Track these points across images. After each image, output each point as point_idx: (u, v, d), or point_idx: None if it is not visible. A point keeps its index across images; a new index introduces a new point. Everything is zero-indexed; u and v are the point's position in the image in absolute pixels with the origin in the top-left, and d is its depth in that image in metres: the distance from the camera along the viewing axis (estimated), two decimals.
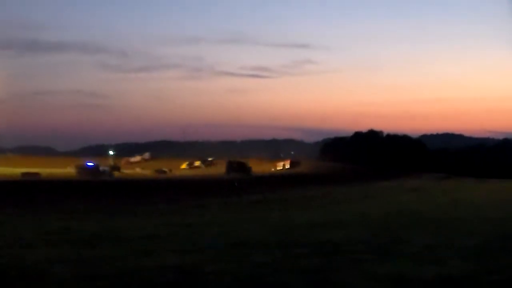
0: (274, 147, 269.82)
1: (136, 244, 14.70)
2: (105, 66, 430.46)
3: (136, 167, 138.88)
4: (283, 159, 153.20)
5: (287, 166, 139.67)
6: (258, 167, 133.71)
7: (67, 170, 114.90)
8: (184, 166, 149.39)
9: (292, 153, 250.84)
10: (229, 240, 15.45)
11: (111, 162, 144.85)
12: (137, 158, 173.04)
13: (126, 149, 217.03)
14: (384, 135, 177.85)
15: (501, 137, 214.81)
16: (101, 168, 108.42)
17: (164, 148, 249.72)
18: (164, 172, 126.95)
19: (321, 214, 25.93)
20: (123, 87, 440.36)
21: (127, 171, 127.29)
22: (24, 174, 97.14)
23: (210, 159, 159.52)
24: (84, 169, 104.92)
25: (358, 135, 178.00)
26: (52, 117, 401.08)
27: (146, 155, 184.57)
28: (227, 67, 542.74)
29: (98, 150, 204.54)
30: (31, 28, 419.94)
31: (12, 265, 11.22)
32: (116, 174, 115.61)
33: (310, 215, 25.82)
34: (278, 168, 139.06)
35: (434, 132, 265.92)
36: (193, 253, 12.71)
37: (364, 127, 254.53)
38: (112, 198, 49.28)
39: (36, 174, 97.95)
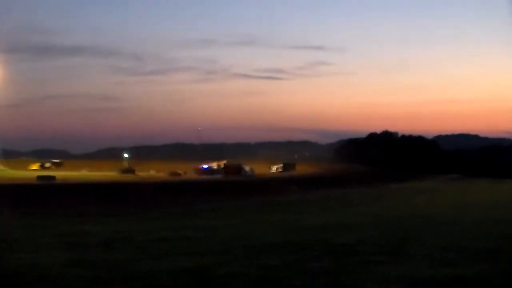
0: (289, 149, 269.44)
1: (150, 247, 14.81)
2: (119, 69, 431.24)
3: (151, 170, 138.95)
4: (286, 161, 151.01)
5: (279, 169, 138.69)
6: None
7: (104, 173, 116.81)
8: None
9: (307, 154, 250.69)
10: (242, 243, 15.52)
11: (125, 164, 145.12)
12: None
13: (141, 152, 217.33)
14: (399, 136, 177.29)
15: None
16: (246, 169, 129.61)
17: (178, 151, 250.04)
18: (179, 174, 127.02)
19: (334, 216, 25.94)
20: (137, 90, 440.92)
21: (142, 174, 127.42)
22: (39, 177, 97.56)
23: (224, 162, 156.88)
24: (201, 170, 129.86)
25: (372, 136, 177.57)
26: (66, 121, 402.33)
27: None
28: (242, 69, 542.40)
29: (112, 153, 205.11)
30: (44, 33, 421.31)
31: (29, 268, 11.35)
32: (131, 176, 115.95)
33: (323, 217, 25.85)
34: (272, 171, 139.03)
35: (449, 133, 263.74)
36: (205, 256, 12.80)
37: (378, 128, 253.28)
38: (127, 201, 49.49)
39: (52, 177, 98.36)
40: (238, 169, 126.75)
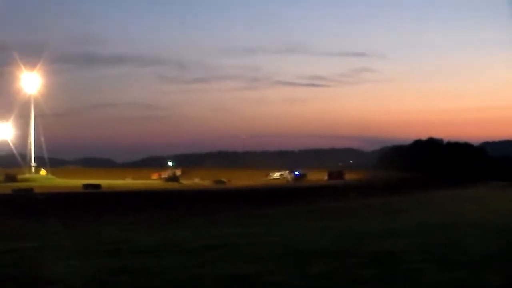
0: (333, 156, 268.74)
1: (196, 255, 14.85)
2: (163, 78, 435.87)
3: (195, 178, 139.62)
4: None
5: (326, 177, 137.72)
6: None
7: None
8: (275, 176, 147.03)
9: (351, 162, 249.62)
10: (288, 250, 15.48)
11: (170, 173, 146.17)
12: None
13: (185, 160, 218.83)
14: (444, 143, 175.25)
15: None
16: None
17: (222, 159, 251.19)
18: (223, 182, 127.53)
19: (379, 224, 25.71)
20: (181, 99, 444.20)
21: (186, 182, 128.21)
22: (85, 185, 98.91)
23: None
24: (293, 177, 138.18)
25: (417, 143, 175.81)
26: (111, 130, 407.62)
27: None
28: (284, 77, 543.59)
29: (157, 162, 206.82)
30: (89, 42, 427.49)
31: (76, 275, 11.47)
32: (175, 185, 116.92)
33: (368, 224, 25.64)
34: (271, 178, 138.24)
35: (497, 139, 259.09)
36: (252, 263, 12.78)
37: (423, 135, 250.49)
38: (172, 208, 49.73)
39: (98, 185, 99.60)
40: (340, 174, 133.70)
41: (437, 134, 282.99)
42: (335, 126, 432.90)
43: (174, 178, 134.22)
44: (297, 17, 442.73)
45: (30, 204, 52.96)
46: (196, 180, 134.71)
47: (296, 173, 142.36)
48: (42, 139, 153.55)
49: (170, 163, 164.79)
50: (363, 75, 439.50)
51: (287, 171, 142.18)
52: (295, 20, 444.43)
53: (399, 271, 11.25)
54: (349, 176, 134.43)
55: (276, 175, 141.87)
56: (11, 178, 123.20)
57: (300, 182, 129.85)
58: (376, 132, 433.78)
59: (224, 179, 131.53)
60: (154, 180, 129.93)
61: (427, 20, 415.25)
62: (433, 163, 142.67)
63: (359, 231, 21.56)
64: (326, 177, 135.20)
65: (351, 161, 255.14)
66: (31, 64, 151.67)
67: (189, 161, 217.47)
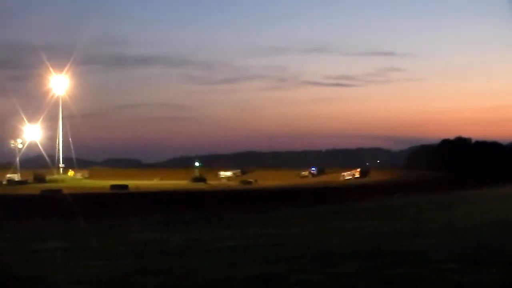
0: (360, 156, 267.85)
1: (222, 255, 14.84)
2: (190, 78, 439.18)
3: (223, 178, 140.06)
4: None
5: (355, 176, 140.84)
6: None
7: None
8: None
9: (378, 161, 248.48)
10: (313, 250, 15.41)
11: (196, 173, 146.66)
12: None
13: (212, 160, 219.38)
14: (473, 142, 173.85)
15: None
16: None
17: (249, 158, 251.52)
18: (250, 183, 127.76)
19: (406, 223, 25.52)
20: (208, 99, 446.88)
21: (213, 183, 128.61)
22: (113, 186, 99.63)
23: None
24: (311, 172, 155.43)
25: (445, 143, 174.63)
26: (138, 130, 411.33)
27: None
28: (312, 77, 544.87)
29: (184, 162, 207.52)
30: (117, 43, 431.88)
31: (102, 277, 11.51)
32: (203, 185, 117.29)
33: (396, 224, 25.48)
34: (345, 178, 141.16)
35: None
36: (276, 264, 12.74)
37: (451, 134, 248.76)
38: (198, 209, 49.89)
39: (125, 186, 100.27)
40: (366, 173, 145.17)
41: (466, 133, 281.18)
42: (363, 126, 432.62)
43: (201, 179, 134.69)
44: (324, 16, 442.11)
45: (58, 205, 53.44)
46: (223, 181, 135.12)
47: (313, 168, 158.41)
48: (70, 140, 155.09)
49: (196, 164, 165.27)
50: (391, 75, 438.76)
51: (358, 169, 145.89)
52: (323, 19, 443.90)
53: (428, 271, 11.13)
54: (376, 176, 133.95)
55: (347, 174, 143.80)
56: (40, 179, 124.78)
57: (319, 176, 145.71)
58: (404, 132, 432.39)
59: (251, 180, 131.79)
60: (182, 181, 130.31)
61: (456, 18, 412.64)
62: (462, 163, 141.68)
63: (386, 231, 21.38)
64: (356, 175, 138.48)
65: (378, 161, 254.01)
66: (60, 66, 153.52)
67: (216, 161, 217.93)
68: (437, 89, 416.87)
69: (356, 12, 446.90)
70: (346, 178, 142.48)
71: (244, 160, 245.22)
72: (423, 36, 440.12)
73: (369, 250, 14.84)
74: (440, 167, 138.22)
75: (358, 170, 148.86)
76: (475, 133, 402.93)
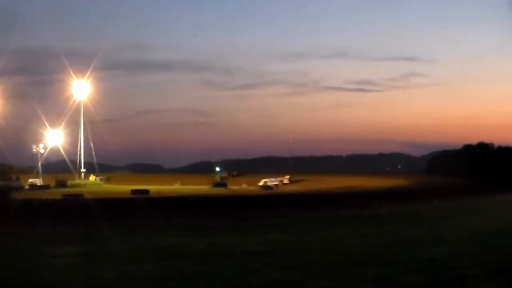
0: (381, 161, 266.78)
1: (244, 261, 14.84)
2: (210, 84, 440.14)
3: (243, 183, 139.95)
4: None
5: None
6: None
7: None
8: None
9: (399, 167, 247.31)
10: (333, 256, 15.36)
11: (217, 178, 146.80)
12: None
13: (232, 165, 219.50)
14: (495, 147, 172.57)
15: None
16: None
17: (269, 164, 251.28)
18: (271, 187, 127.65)
19: (427, 229, 25.36)
20: (228, 105, 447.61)
21: (233, 187, 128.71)
22: (134, 191, 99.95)
23: None
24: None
25: (467, 148, 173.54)
26: (159, 135, 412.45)
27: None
28: (332, 82, 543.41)
29: (204, 167, 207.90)
30: (138, 49, 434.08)
31: (125, 281, 11.57)
32: (223, 190, 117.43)
33: (416, 230, 25.31)
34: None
35: None
36: (297, 269, 12.73)
37: (473, 139, 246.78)
38: (219, 214, 49.96)
39: (146, 191, 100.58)
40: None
41: (488, 138, 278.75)
42: (384, 131, 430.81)
43: (222, 184, 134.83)
44: (345, 22, 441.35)
45: (80, 209, 53.78)
46: (244, 186, 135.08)
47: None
48: (92, 145, 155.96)
49: (217, 169, 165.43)
50: (412, 80, 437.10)
51: (287, 176, 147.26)
52: (343, 25, 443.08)
53: (448, 278, 11.07)
54: (396, 182, 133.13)
55: (269, 181, 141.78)
56: (62, 184, 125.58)
57: None
58: (425, 137, 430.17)
59: (272, 185, 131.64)
60: (203, 186, 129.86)
61: (477, 24, 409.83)
62: (484, 168, 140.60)
63: (408, 237, 21.27)
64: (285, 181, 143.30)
65: (399, 166, 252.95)
66: (81, 71, 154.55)
67: (237, 166, 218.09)
68: (458, 94, 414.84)
69: (378, 17, 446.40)
70: (269, 184, 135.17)
71: (264, 165, 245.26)
72: (445, 41, 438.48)
73: (390, 256, 14.78)
74: (461, 173, 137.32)
75: (287, 176, 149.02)
76: (498, 138, 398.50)
